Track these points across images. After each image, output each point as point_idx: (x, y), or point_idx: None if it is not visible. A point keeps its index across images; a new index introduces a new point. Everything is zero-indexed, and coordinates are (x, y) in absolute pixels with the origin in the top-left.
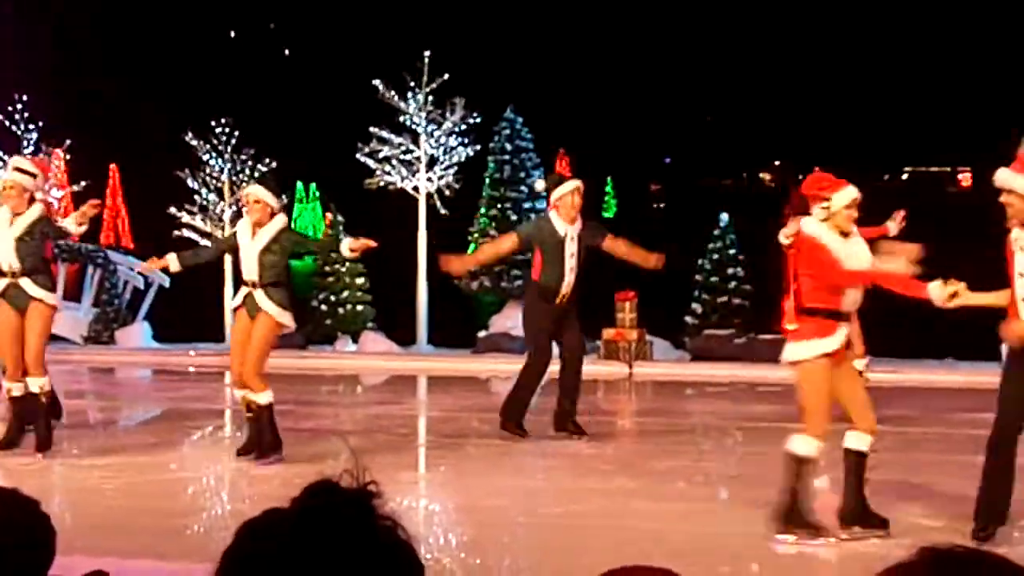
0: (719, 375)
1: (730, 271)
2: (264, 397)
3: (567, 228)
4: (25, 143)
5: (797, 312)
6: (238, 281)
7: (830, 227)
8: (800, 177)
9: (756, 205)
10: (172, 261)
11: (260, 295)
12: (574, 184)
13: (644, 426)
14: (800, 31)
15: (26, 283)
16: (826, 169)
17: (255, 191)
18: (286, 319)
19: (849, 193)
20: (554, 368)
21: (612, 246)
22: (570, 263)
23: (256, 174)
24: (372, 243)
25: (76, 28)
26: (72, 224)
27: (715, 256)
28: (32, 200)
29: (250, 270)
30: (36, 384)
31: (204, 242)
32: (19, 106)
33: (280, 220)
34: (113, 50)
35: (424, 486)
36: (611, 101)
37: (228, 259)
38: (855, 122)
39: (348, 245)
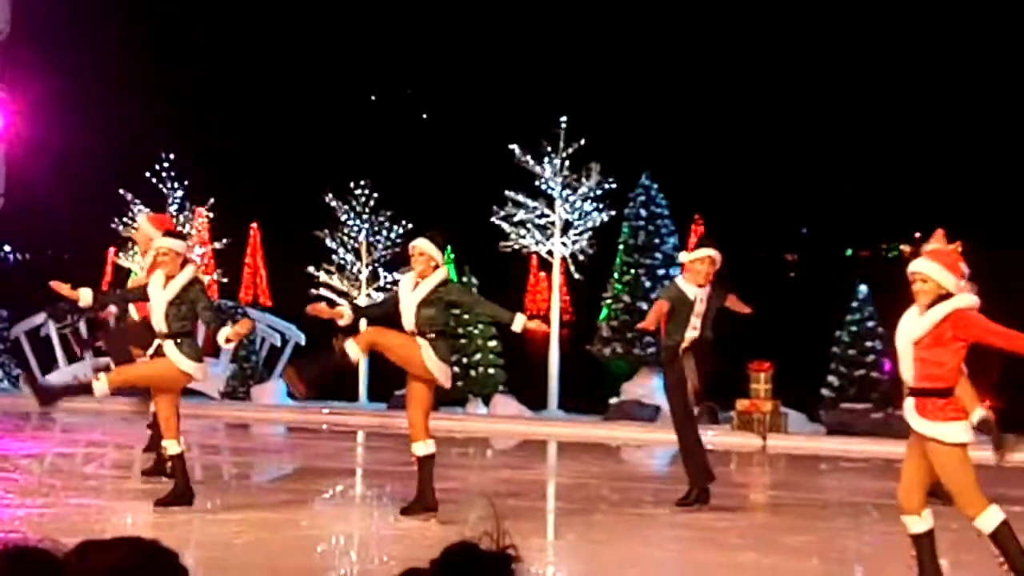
0: (855, 450)
1: (868, 344)
2: (421, 448)
3: (696, 292)
4: (170, 200)
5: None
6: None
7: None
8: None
9: (895, 277)
10: (346, 310)
11: (422, 343)
12: (707, 252)
13: (777, 500)
14: (943, 100)
15: (168, 346)
16: (968, 242)
17: (420, 243)
18: (441, 375)
19: None
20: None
21: (731, 304)
22: (693, 322)
23: (392, 235)
24: (546, 328)
25: (220, 89)
26: (222, 337)
27: (853, 328)
28: (185, 262)
29: (408, 322)
30: (169, 446)
31: (340, 301)
32: (165, 164)
33: (440, 273)
34: (257, 110)
35: (553, 552)
36: (748, 169)
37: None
38: (999, 192)
39: (522, 323)
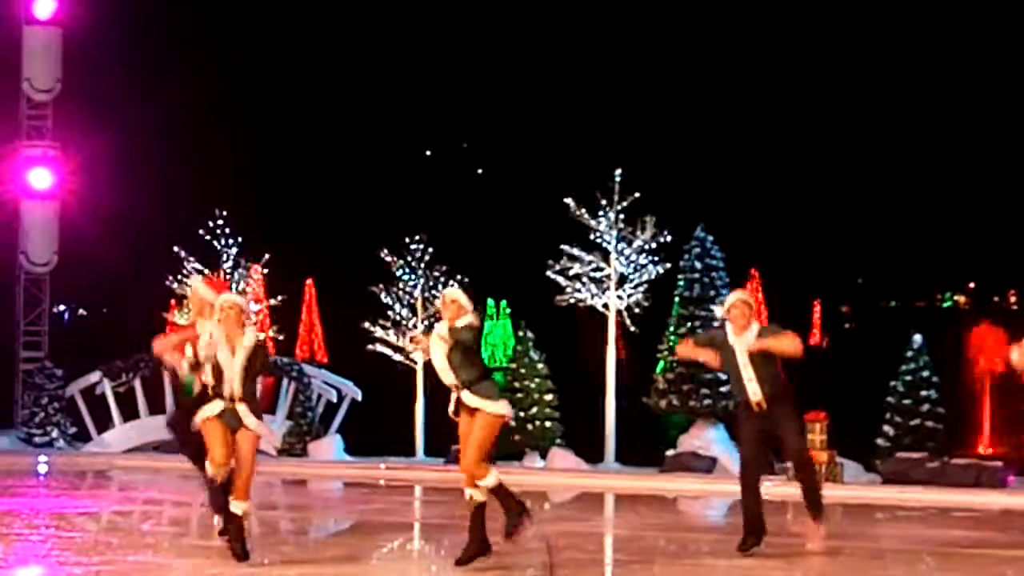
0: (911, 499)
1: (923, 393)
2: (491, 479)
3: (735, 339)
4: (225, 257)
5: None
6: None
7: None
8: (996, 299)
9: (949, 327)
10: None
11: (466, 395)
12: (735, 296)
13: (833, 549)
14: (998, 154)
15: (242, 409)
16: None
17: (452, 292)
18: (503, 408)
19: None
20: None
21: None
22: (746, 373)
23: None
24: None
25: (275, 145)
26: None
27: (908, 378)
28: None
29: (445, 375)
30: (239, 507)
31: (396, 357)
32: (220, 221)
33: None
34: (312, 166)
35: None
36: (803, 221)
37: (420, 373)
38: None
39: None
